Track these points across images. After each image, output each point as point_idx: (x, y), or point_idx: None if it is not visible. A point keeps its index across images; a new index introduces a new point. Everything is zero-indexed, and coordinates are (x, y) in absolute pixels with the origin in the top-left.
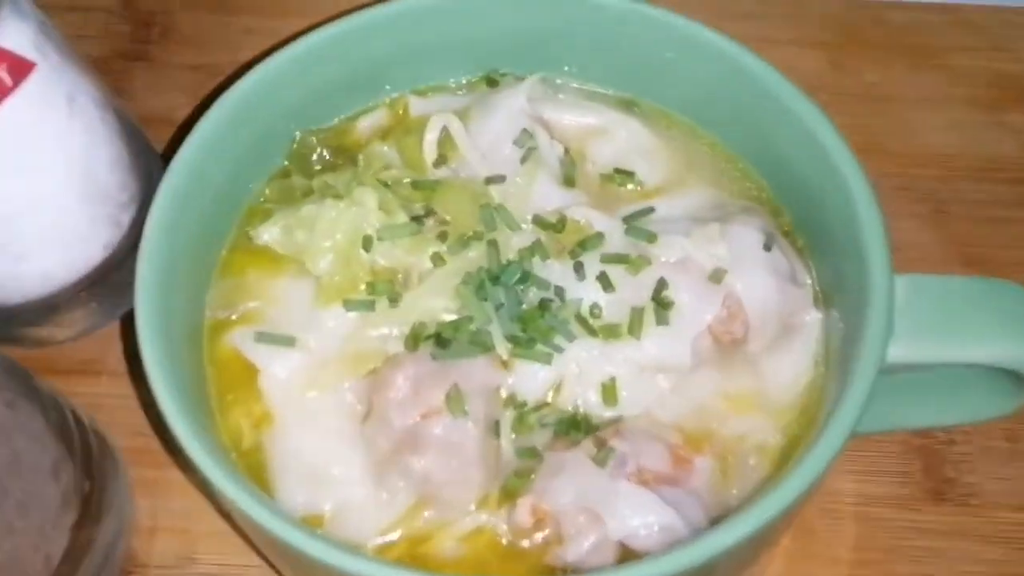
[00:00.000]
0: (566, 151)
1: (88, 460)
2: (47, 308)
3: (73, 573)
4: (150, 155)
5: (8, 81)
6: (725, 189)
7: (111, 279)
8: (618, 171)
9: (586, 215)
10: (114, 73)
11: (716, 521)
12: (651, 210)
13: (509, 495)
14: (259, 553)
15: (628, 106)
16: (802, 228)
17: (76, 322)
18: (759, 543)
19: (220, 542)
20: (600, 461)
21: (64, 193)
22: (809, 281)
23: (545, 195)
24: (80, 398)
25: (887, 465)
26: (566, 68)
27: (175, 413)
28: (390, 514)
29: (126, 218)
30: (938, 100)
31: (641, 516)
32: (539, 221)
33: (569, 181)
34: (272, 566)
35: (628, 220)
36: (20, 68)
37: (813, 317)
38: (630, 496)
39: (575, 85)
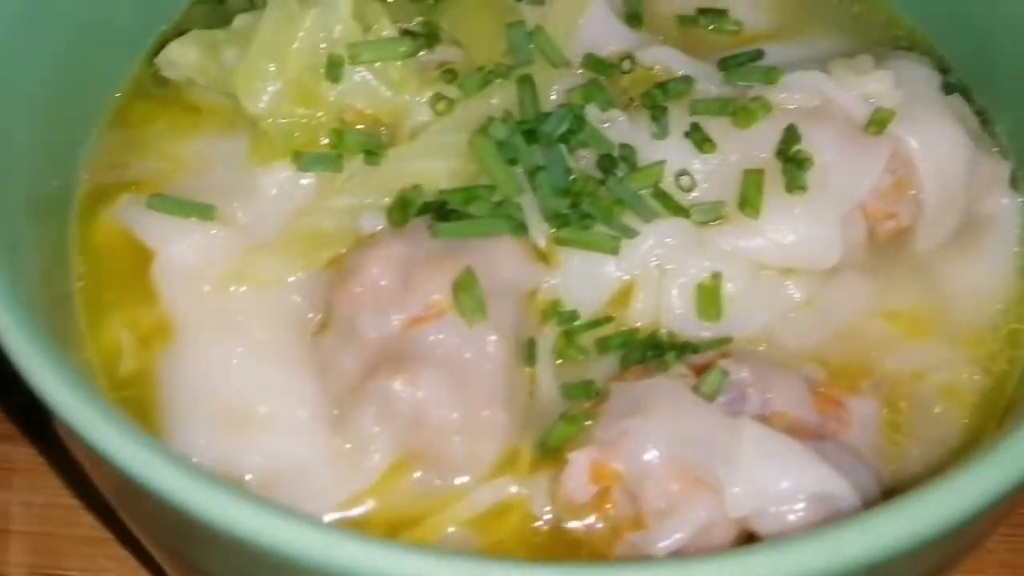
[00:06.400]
0: None
1: None
2: None
3: None
4: None
5: None
6: (862, 38)
7: None
8: (703, 11)
9: (663, 57)
10: None
11: (892, 494)
12: (759, 54)
13: (552, 451)
14: (146, 563)
15: None
16: (984, 84)
17: None
18: (967, 537)
19: (94, 548)
20: (707, 392)
21: None
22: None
23: (600, 31)
24: None
25: None
26: None
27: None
28: (356, 478)
29: None
30: None
31: (781, 478)
32: (593, 62)
33: (634, 19)
34: None
35: (727, 62)
36: None
37: (1012, 201)
38: (762, 445)
39: None
